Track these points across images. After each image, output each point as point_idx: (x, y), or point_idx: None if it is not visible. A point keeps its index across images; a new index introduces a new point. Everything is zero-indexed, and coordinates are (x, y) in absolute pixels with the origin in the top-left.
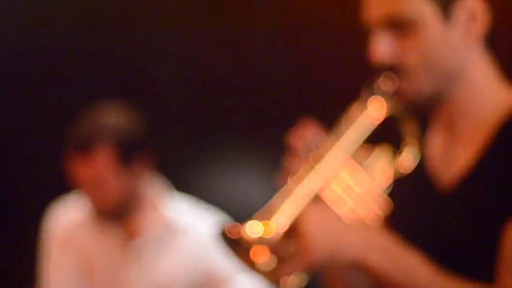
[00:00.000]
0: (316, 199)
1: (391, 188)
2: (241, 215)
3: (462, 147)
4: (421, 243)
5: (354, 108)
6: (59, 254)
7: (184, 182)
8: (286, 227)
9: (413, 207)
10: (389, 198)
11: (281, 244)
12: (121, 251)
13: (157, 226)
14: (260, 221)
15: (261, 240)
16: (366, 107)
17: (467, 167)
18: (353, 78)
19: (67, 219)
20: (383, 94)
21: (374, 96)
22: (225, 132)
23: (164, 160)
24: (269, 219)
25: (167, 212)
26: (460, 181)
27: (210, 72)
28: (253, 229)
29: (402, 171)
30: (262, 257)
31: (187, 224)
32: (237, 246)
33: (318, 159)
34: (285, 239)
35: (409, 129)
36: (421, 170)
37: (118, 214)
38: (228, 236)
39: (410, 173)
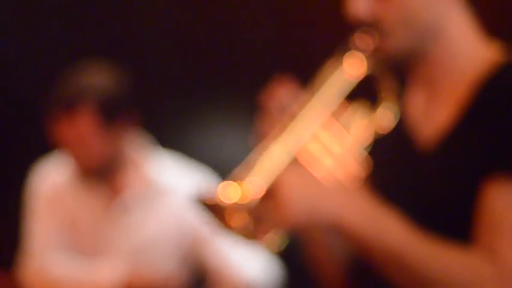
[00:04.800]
0: (293, 160)
1: (370, 146)
2: (228, 172)
3: (441, 105)
4: (400, 202)
5: (330, 65)
6: (44, 213)
7: (171, 139)
8: (262, 191)
9: (392, 166)
10: (369, 157)
11: (258, 206)
12: (105, 210)
13: (141, 185)
14: (236, 183)
15: (236, 206)
16: (342, 64)
17: (447, 125)
18: (330, 34)
19: (51, 179)
20: (361, 51)
21: (351, 52)
22: (212, 88)
23: (150, 117)
24: (245, 181)
25: (152, 171)
26: (439, 139)
27: (196, 30)
28: (228, 193)
29: (381, 130)
30: (239, 218)
31: (171, 183)
32: (213, 210)
33: (292, 118)
34: (261, 202)
35: (387, 87)
36: (400, 128)
37: (102, 173)
38: (203, 201)
39: (389, 131)
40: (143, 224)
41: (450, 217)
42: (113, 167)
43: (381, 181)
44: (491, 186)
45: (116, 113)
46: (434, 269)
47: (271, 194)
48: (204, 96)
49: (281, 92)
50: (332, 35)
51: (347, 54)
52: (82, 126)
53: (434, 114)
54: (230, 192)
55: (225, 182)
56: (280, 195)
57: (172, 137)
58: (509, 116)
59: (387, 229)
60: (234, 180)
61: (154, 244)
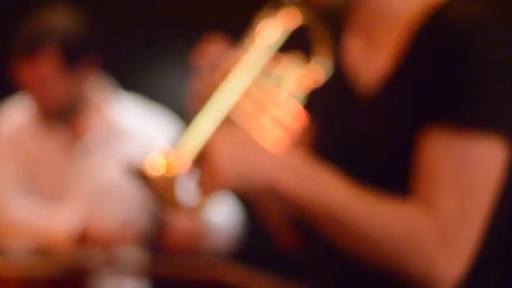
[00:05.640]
0: (226, 120)
1: (307, 98)
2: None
3: (379, 50)
4: (340, 151)
5: (261, 19)
6: (4, 154)
7: (132, 82)
8: (191, 160)
9: (332, 115)
10: (306, 110)
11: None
12: (66, 153)
13: (102, 128)
14: (164, 154)
15: (163, 178)
16: (273, 16)
17: (385, 71)
18: None
19: (12, 120)
20: (292, 1)
21: (282, 4)
22: (174, 31)
23: (111, 60)
24: (174, 151)
25: (113, 114)
26: (377, 86)
27: None
28: (156, 165)
29: (314, 82)
30: (172, 188)
31: (133, 126)
32: (144, 182)
33: (224, 77)
34: (193, 167)
35: (320, 38)
36: (339, 76)
37: (63, 116)
38: (134, 173)
39: (328, 81)
40: (104, 166)
41: (388, 166)
42: (75, 109)
43: (322, 131)
44: (428, 136)
45: (77, 55)
46: (373, 226)
47: (203, 159)
48: (167, 39)
49: (211, 50)
50: None
51: (278, 5)
52: (43, 68)
53: (372, 60)
54: (158, 164)
55: (155, 153)
56: (212, 159)
57: (133, 80)
58: (446, 62)
59: (324, 189)
60: (166, 149)
61: (114, 187)
